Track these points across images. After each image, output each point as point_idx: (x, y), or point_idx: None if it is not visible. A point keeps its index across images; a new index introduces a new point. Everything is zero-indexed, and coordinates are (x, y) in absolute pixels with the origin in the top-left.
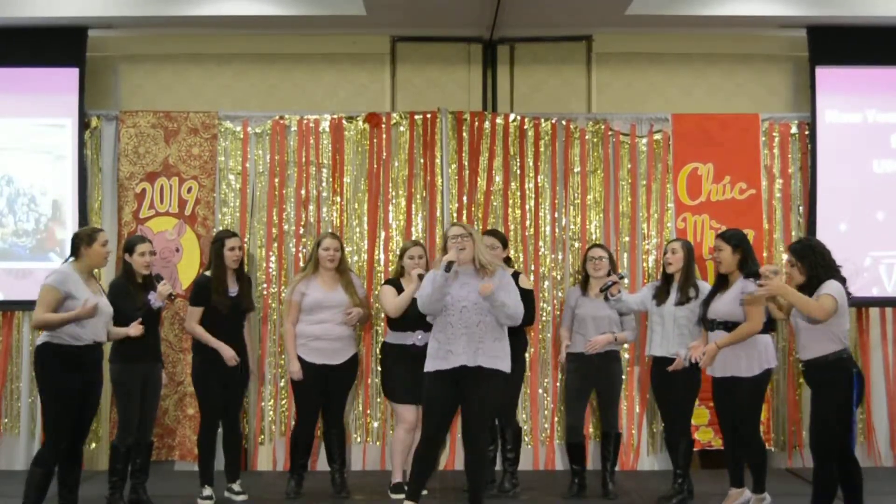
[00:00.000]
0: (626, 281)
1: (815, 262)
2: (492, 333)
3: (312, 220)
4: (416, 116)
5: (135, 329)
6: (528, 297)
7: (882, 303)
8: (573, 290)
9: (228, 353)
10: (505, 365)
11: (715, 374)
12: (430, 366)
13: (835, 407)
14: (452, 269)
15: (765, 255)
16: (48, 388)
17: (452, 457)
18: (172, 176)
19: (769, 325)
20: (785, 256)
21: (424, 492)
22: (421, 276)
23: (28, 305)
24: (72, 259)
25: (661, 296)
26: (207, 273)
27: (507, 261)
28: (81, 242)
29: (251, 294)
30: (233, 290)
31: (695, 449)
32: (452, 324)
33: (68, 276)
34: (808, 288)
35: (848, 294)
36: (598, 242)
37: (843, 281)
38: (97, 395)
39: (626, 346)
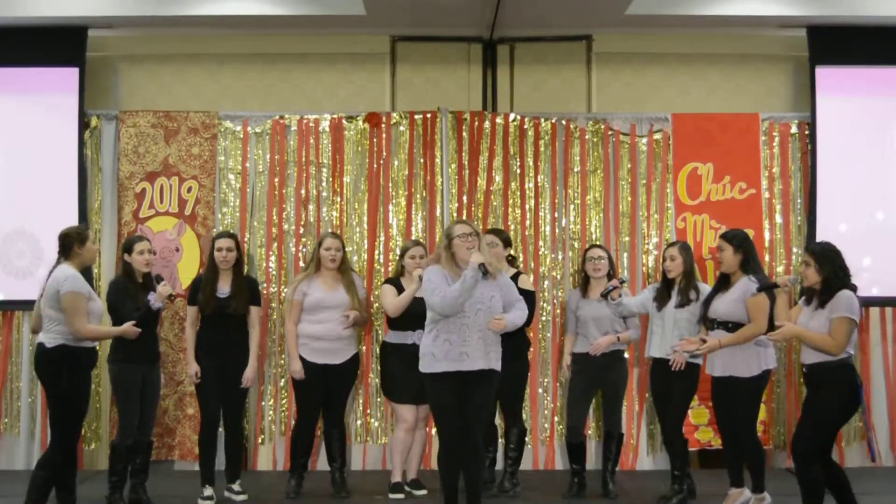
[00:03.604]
0: (626, 285)
1: (834, 269)
2: (497, 336)
3: (312, 219)
4: (416, 116)
5: (131, 331)
6: (529, 298)
7: (882, 303)
8: (573, 293)
9: (191, 369)
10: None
11: (714, 373)
12: (438, 367)
13: (830, 411)
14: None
15: (765, 255)
16: (65, 392)
17: None
18: (172, 176)
19: (770, 326)
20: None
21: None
22: (422, 277)
23: (28, 306)
24: (63, 259)
25: (661, 298)
26: None
27: (511, 260)
28: (74, 242)
29: (248, 297)
30: (223, 291)
31: (694, 449)
32: (468, 325)
33: (80, 278)
34: (823, 293)
35: None
36: (597, 243)
37: (854, 289)
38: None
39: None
